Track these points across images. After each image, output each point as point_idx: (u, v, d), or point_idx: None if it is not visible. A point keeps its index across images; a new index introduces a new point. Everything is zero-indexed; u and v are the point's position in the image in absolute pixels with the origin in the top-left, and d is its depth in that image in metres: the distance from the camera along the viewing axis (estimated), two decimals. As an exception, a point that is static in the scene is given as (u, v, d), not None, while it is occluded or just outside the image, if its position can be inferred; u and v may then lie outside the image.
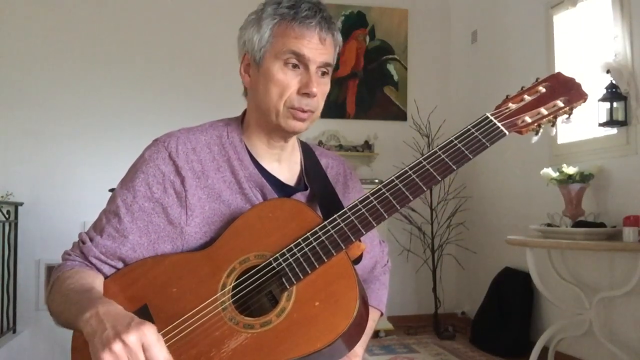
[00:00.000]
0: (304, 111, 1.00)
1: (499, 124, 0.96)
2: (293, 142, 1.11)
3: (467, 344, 3.68)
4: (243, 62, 1.06)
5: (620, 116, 2.70)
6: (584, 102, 1.00)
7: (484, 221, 4.03)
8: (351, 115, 4.32)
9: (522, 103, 1.00)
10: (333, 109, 4.24)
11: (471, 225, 4.16)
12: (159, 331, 0.88)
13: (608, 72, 2.73)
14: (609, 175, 2.81)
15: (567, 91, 1.00)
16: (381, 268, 1.25)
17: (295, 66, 0.99)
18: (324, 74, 1.02)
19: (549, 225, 2.86)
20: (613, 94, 2.69)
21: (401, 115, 4.38)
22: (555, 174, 2.82)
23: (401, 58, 4.44)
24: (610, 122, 2.72)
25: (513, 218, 3.60)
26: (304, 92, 0.98)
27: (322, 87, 1.02)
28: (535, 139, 0.99)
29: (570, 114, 1.00)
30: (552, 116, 0.99)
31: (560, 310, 3.04)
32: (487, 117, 0.98)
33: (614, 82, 2.70)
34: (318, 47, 0.99)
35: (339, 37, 1.05)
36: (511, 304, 3.45)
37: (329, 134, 4.21)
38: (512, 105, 0.99)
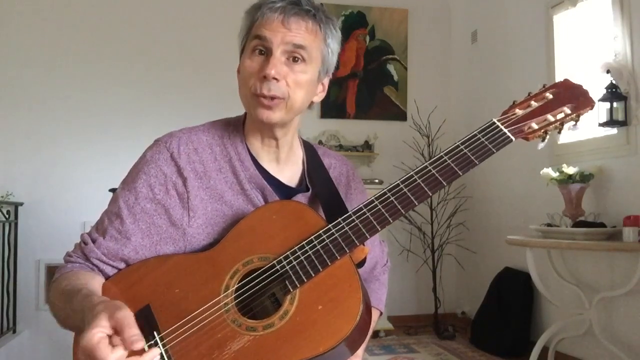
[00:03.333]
0: (266, 97, 0.96)
1: (505, 130, 0.95)
2: (290, 140, 1.08)
3: (467, 344, 3.68)
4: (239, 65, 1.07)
5: (620, 116, 2.70)
6: (591, 109, 0.99)
7: (484, 221, 4.03)
8: (351, 115, 4.32)
9: (529, 109, 0.99)
10: (333, 109, 4.25)
11: (471, 225, 4.16)
12: (162, 331, 0.88)
13: (608, 72, 2.73)
14: (609, 175, 2.81)
15: (575, 98, 0.99)
16: (381, 268, 1.25)
17: (262, 52, 0.98)
18: (295, 59, 0.98)
19: (549, 225, 2.86)
20: (613, 94, 2.69)
21: (401, 115, 4.38)
22: (555, 174, 2.82)
23: (401, 58, 4.44)
24: (610, 122, 2.72)
25: (513, 218, 3.60)
26: (261, 75, 0.96)
27: (292, 74, 0.97)
28: (541, 145, 0.99)
29: (577, 121, 0.99)
30: (558, 123, 0.98)
31: (560, 310, 3.04)
32: (494, 123, 0.97)
33: (614, 82, 2.70)
34: (280, 30, 0.96)
35: (323, 27, 1.01)
36: (511, 304, 3.46)
37: (329, 134, 4.22)
38: (519, 111, 0.99)
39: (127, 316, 0.76)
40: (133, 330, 0.75)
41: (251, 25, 1.00)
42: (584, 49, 3.09)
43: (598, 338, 2.69)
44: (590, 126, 2.91)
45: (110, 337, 0.75)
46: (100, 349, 0.73)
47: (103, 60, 3.91)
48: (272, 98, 0.96)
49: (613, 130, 2.80)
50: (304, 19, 0.98)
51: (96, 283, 0.95)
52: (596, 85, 2.76)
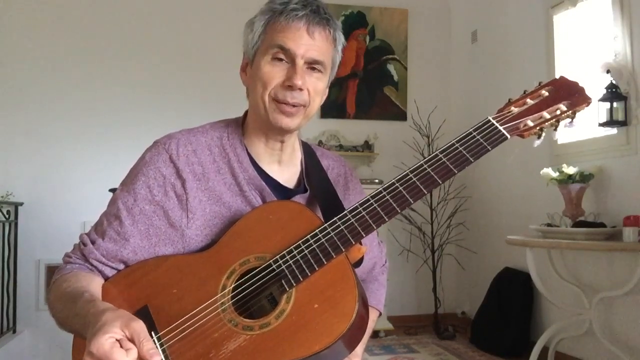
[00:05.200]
0: (289, 104, 0.98)
1: (500, 128, 0.95)
2: (293, 142, 1.10)
3: (467, 344, 3.68)
4: (243, 62, 1.07)
5: (620, 116, 2.70)
6: (587, 106, 0.99)
7: (484, 221, 4.02)
8: (351, 115, 4.32)
9: (525, 107, 0.99)
10: (333, 109, 4.25)
11: (471, 225, 4.16)
12: (159, 331, 0.88)
13: (608, 72, 2.73)
14: (609, 175, 2.81)
15: (571, 95, 0.99)
16: (380, 268, 1.25)
17: (282, 59, 0.99)
18: (314, 69, 1.00)
19: (549, 225, 2.86)
20: (613, 94, 2.69)
21: (401, 115, 4.38)
22: (555, 174, 2.82)
23: (401, 58, 4.44)
24: (610, 122, 2.72)
25: (513, 218, 3.60)
26: (287, 84, 0.98)
27: (312, 83, 1.00)
28: (537, 142, 0.98)
29: (573, 118, 0.99)
30: (554, 120, 0.98)
31: (560, 310, 3.04)
32: (489, 121, 0.97)
33: (614, 82, 2.70)
34: (305, 41, 0.98)
35: (337, 35, 1.04)
36: (511, 304, 3.45)
37: (329, 134, 4.22)
38: (515, 109, 0.99)
39: (143, 328, 0.78)
40: (151, 344, 0.77)
41: (267, 27, 1.00)
42: (584, 49, 3.09)
43: (598, 338, 2.69)
44: (590, 126, 2.91)
45: (118, 341, 0.76)
46: (115, 353, 0.74)
47: (103, 60, 3.91)
48: (294, 105, 0.99)
49: (613, 130, 2.80)
50: (325, 29, 1.00)
51: (96, 285, 0.95)
52: (596, 85, 2.76)
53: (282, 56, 0.98)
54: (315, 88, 1.01)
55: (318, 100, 1.03)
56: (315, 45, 0.99)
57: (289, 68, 0.98)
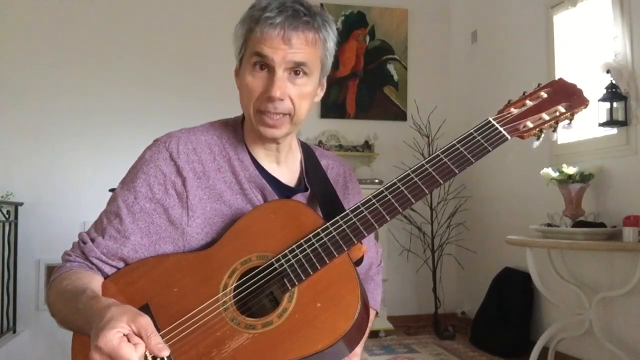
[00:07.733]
0: (271, 113, 0.97)
1: (501, 129, 0.97)
2: (289, 143, 1.10)
3: (467, 344, 3.68)
4: (235, 66, 1.07)
5: (620, 116, 2.70)
6: (586, 107, 1.01)
7: (484, 221, 4.03)
8: (351, 115, 4.32)
9: (524, 108, 1.00)
10: (333, 109, 4.24)
11: (471, 225, 4.16)
12: (161, 330, 0.88)
13: (608, 72, 2.73)
14: (609, 175, 2.81)
15: (569, 97, 1.00)
16: (376, 268, 1.26)
17: (263, 67, 0.98)
18: (298, 73, 0.98)
19: (549, 225, 2.86)
20: (613, 94, 2.69)
21: (401, 115, 4.38)
22: (555, 174, 2.82)
23: (401, 58, 4.44)
24: (610, 122, 2.72)
25: (513, 218, 3.60)
26: (266, 95, 0.97)
27: (295, 89, 0.98)
28: (536, 143, 1.00)
29: (571, 120, 1.01)
30: (553, 121, 0.99)
31: (560, 310, 3.04)
32: (490, 122, 0.98)
33: (614, 82, 2.70)
34: (281, 47, 0.95)
35: (323, 33, 1.00)
36: (511, 304, 3.46)
37: (329, 134, 4.21)
38: (514, 110, 1.00)
39: (150, 323, 0.78)
40: (158, 338, 0.77)
41: (248, 36, 0.99)
42: (584, 49, 3.09)
43: (598, 338, 2.69)
44: (590, 126, 2.91)
45: (126, 336, 0.76)
46: (123, 348, 0.74)
47: (103, 61, 3.91)
48: (279, 114, 0.98)
49: (613, 130, 2.80)
50: (304, 32, 0.97)
51: (97, 283, 0.95)
52: (596, 85, 2.76)
53: (262, 63, 0.97)
54: (300, 93, 0.99)
55: (305, 104, 1.01)
56: (291, 50, 0.96)
57: (268, 78, 0.97)
